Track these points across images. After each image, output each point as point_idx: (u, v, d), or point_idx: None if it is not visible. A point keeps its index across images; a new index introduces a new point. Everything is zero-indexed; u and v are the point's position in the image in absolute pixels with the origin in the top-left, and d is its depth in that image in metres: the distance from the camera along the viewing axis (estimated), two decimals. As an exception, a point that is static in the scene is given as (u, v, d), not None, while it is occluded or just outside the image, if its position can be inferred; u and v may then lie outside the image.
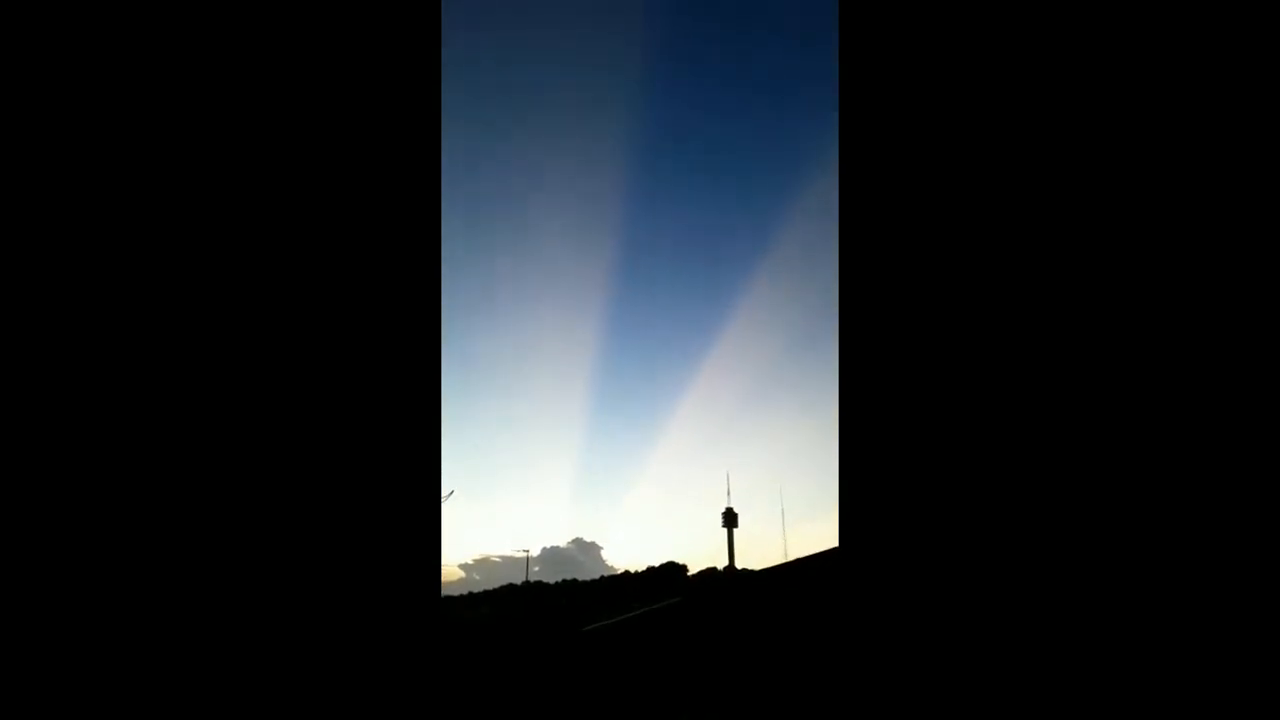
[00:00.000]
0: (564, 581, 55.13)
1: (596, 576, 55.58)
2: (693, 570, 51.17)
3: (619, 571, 58.82)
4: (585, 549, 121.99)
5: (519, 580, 53.23)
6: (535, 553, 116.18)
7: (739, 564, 48.90)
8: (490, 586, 61.10)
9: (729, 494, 59.70)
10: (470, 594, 54.71)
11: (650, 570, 53.80)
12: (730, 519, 50.85)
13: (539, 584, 54.03)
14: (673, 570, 52.76)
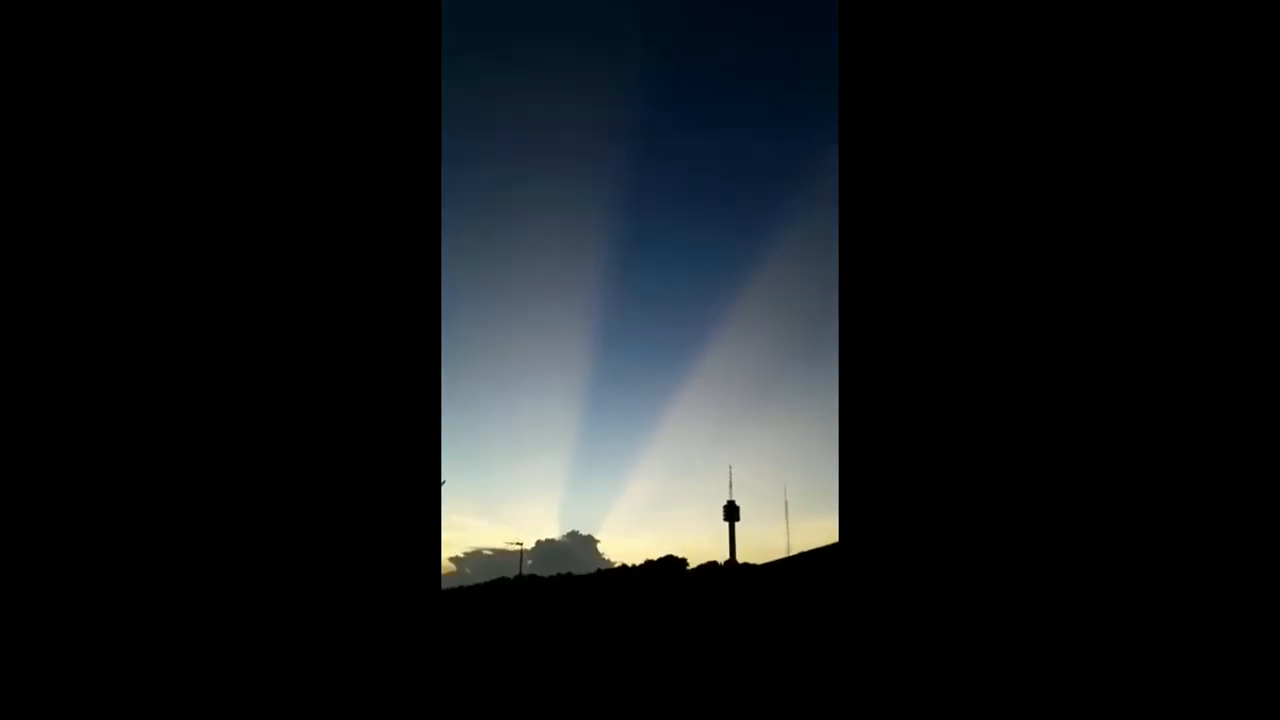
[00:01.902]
0: (558, 576, 52.68)
1: (592, 570, 54.24)
2: (693, 564, 49.88)
3: (616, 565, 57.06)
4: (581, 542, 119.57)
5: (512, 574, 53.94)
6: (529, 546, 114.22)
7: (740, 558, 49.76)
8: (482, 580, 59.50)
9: (730, 487, 60.90)
10: (461, 588, 53.08)
11: (649, 564, 51.32)
12: (731, 512, 52.31)
13: (532, 578, 52.49)
14: (672, 564, 51.30)
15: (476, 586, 54.57)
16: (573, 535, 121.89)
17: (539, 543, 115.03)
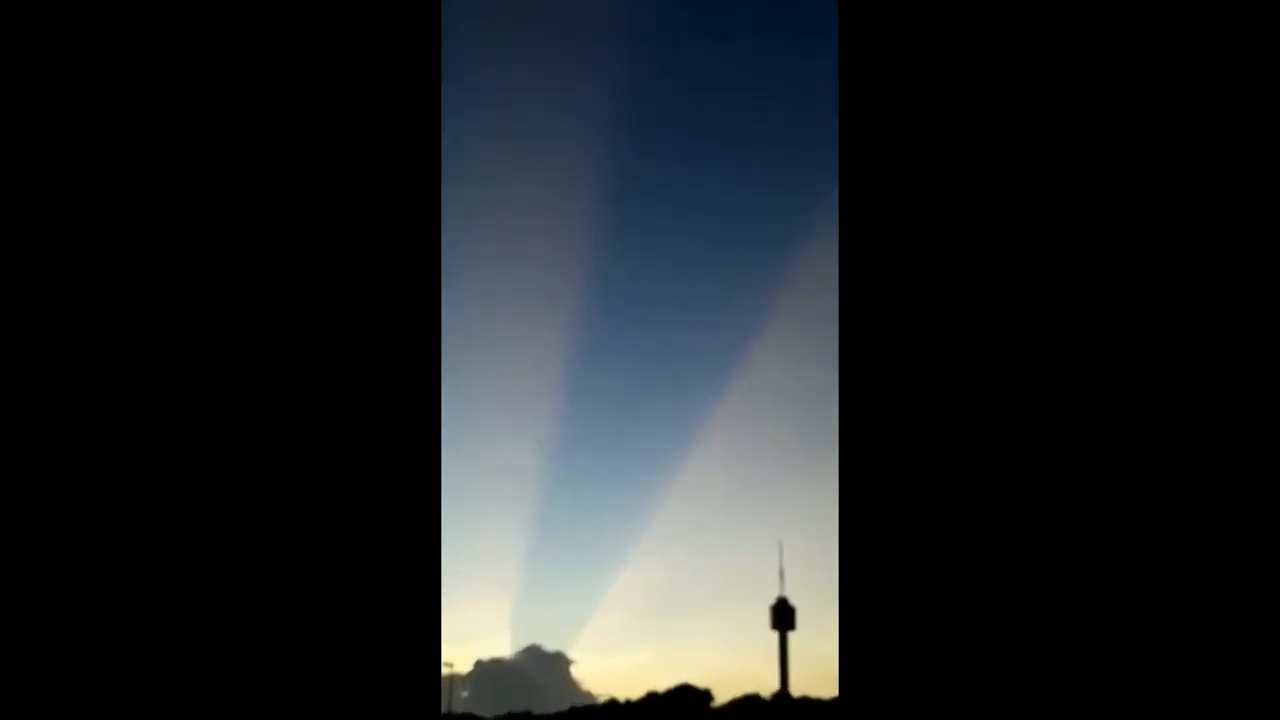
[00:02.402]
0: (509, 715, 43.74)
1: (564, 708, 43.89)
2: (722, 699, 41.07)
3: (600, 700, 47.25)
4: (544, 663, 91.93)
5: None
6: (464, 668, 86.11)
7: (797, 689, 40.93)
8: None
9: (781, 577, 43.88)
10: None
11: (652, 698, 41.29)
12: (783, 617, 42.21)
13: (468, 718, 44.47)
14: (690, 699, 41.16)
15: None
16: (531, 652, 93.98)
17: (480, 664, 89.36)
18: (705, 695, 42.06)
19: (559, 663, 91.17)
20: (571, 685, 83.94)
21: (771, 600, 43.40)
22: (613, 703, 43.51)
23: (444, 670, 48.98)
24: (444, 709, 43.97)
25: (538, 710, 44.14)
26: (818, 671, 57.36)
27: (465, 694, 77.68)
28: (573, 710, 42.88)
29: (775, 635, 42.52)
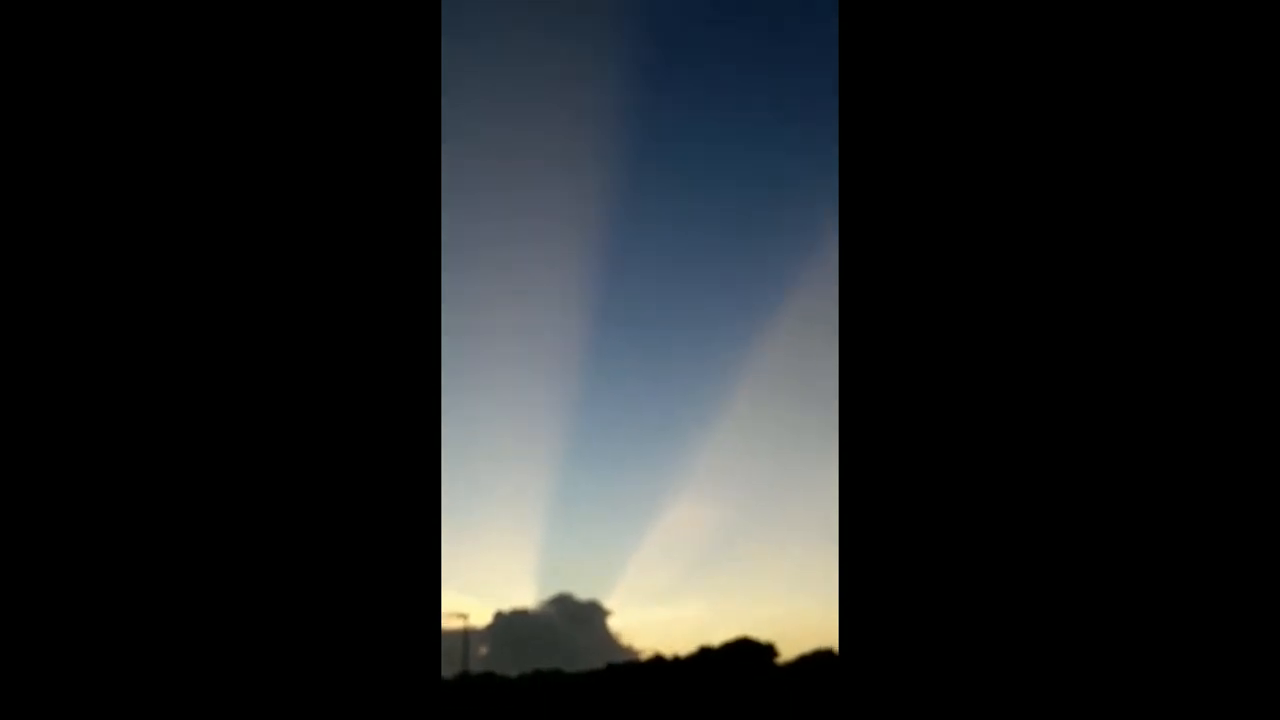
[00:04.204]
0: (536, 674, 39.14)
1: (599, 665, 39.51)
2: (788, 654, 37.06)
3: (642, 655, 42.90)
4: (576, 614, 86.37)
5: (451, 671, 39.32)
6: (483, 620, 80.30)
7: None
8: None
9: None
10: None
11: (705, 653, 37.58)
12: None
13: (488, 678, 39.05)
14: (751, 654, 37.26)
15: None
16: (561, 601, 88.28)
17: (501, 616, 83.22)
18: (768, 650, 36.90)
19: (594, 614, 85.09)
20: (609, 639, 78.21)
21: (848, 538, 38.42)
22: (658, 659, 39.05)
23: (459, 624, 41.99)
24: (461, 667, 39.92)
25: (569, 668, 39.84)
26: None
27: (484, 650, 72.79)
28: (611, 668, 38.50)
29: (853, 579, 38.28)
